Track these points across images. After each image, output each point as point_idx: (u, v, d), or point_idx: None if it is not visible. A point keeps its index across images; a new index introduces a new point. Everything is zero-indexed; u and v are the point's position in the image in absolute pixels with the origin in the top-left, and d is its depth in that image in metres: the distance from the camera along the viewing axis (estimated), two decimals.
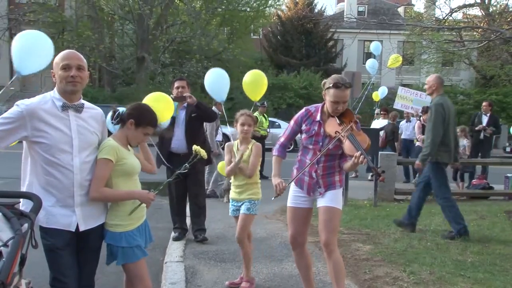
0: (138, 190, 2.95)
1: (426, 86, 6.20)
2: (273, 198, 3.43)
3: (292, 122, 3.66)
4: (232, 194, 4.31)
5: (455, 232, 5.79)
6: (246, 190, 4.21)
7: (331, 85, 3.38)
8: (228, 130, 9.78)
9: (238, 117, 4.23)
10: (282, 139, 3.72)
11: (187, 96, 5.38)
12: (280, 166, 3.67)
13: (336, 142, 3.36)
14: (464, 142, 9.77)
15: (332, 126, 3.44)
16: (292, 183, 3.68)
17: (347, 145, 3.30)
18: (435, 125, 5.77)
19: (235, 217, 4.32)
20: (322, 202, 3.51)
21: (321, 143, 3.45)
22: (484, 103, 11.12)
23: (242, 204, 4.21)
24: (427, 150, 5.83)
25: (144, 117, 2.95)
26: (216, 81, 6.12)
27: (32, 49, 3.89)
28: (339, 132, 3.36)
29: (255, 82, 6.62)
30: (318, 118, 3.50)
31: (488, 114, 10.74)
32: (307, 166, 3.49)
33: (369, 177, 10.59)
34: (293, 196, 3.67)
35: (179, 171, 3.45)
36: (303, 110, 3.64)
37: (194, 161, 3.51)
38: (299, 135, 3.69)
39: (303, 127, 3.56)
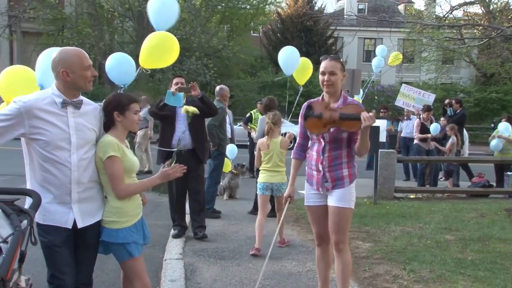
0: (156, 175, 2.99)
1: None
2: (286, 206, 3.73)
3: (300, 119, 3.61)
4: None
5: None
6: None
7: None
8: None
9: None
10: (298, 139, 3.69)
11: (191, 86, 5.26)
12: (296, 172, 3.67)
13: (333, 124, 3.32)
14: (453, 139, 9.71)
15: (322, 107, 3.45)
16: (305, 180, 3.65)
17: (345, 124, 3.26)
18: None
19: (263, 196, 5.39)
20: (331, 201, 3.45)
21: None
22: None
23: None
24: None
25: (121, 100, 2.90)
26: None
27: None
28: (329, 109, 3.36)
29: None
30: None
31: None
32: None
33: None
34: (307, 194, 3.63)
35: (179, 148, 3.55)
36: (305, 103, 3.60)
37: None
38: None
39: None
